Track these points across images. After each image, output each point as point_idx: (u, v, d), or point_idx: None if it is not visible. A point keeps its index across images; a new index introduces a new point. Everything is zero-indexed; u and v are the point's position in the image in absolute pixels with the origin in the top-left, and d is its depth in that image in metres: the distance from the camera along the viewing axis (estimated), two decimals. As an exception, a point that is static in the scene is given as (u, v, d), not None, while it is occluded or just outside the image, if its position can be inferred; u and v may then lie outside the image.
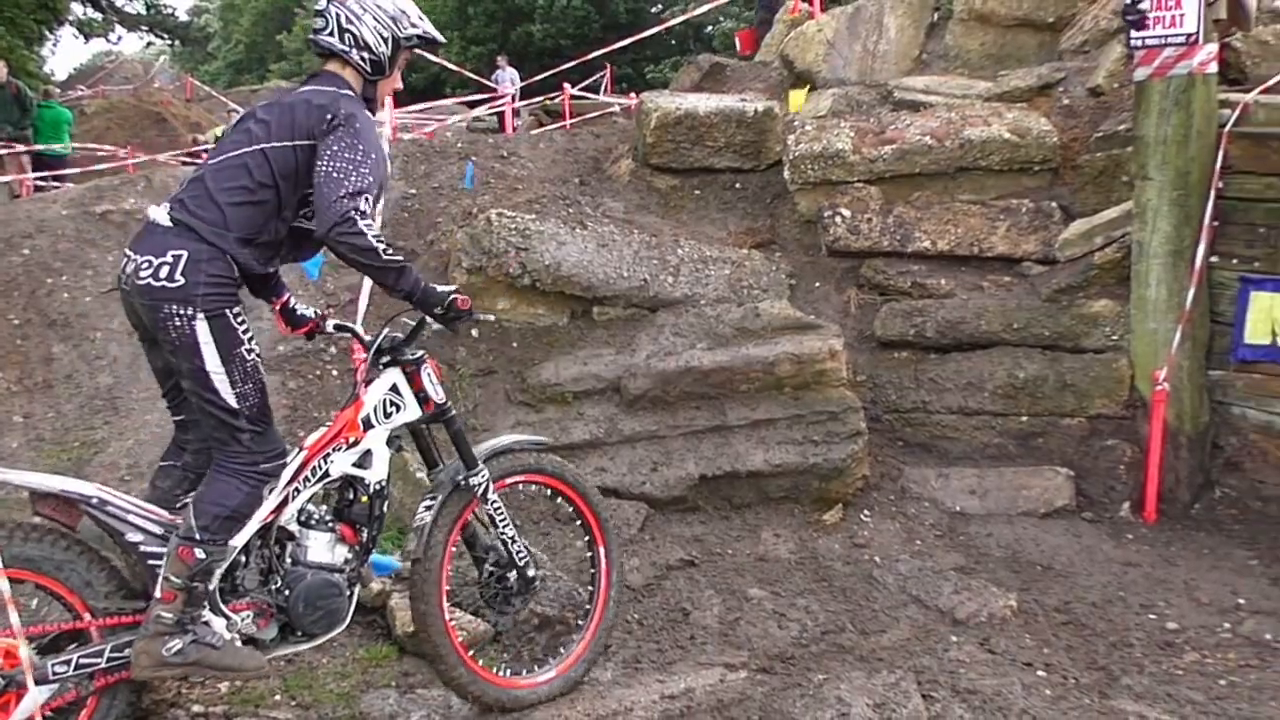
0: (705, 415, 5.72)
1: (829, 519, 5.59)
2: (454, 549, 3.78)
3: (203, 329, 3.22)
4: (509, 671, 3.95)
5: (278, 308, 3.87)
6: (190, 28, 46.07)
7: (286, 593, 3.46)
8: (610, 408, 5.83)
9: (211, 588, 3.33)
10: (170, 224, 3.29)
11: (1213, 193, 5.64)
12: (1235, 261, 5.70)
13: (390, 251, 3.30)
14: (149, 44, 46.64)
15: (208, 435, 3.39)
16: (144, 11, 33.32)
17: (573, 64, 15.94)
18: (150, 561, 3.30)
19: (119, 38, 36.02)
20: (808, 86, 9.01)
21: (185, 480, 3.55)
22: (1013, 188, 7.05)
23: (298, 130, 3.37)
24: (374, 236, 3.26)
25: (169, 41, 40.37)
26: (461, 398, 5.77)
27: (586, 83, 17.81)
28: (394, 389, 3.63)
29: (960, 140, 7.01)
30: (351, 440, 3.54)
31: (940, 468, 5.96)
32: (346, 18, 3.52)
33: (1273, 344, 5.52)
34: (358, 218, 3.22)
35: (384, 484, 3.62)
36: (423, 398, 3.67)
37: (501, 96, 17.81)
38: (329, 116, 3.36)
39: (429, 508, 3.73)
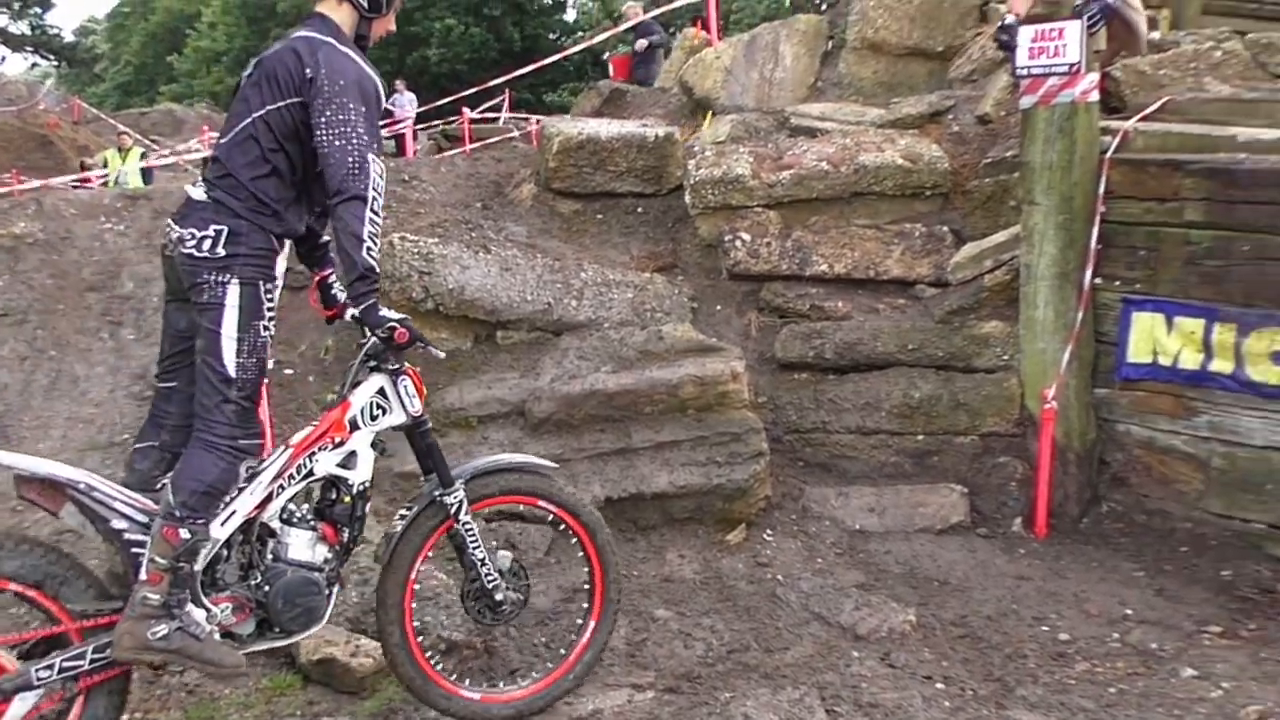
0: (610, 438, 5.75)
1: (733, 539, 5.65)
2: (422, 563, 3.82)
3: (233, 292, 3.32)
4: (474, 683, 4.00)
5: (316, 281, 3.94)
6: (77, 49, 45.01)
7: (266, 588, 3.46)
8: (515, 432, 5.83)
9: (197, 569, 3.33)
10: (206, 199, 3.38)
11: (1096, 217, 5.84)
12: (1118, 283, 5.90)
13: (373, 253, 3.33)
14: (34, 65, 45.49)
15: (196, 402, 3.40)
16: (29, 32, 32.42)
17: (472, 90, 15.95)
18: (134, 550, 3.31)
19: (2, 58, 35.05)
20: (707, 113, 9.15)
21: (163, 461, 3.54)
22: (906, 212, 7.24)
23: (283, 89, 3.39)
24: (369, 232, 3.30)
25: (55, 63, 39.38)
26: (364, 423, 5.72)
27: (485, 107, 17.80)
28: (380, 393, 3.65)
29: (855, 166, 7.17)
30: (337, 440, 3.57)
31: (840, 487, 6.07)
32: None
33: (1154, 363, 5.73)
34: (365, 206, 3.29)
35: (367, 485, 3.64)
36: (403, 407, 3.68)
37: (399, 121, 17.69)
38: (307, 72, 3.36)
39: (403, 518, 3.80)
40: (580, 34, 25.02)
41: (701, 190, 7.25)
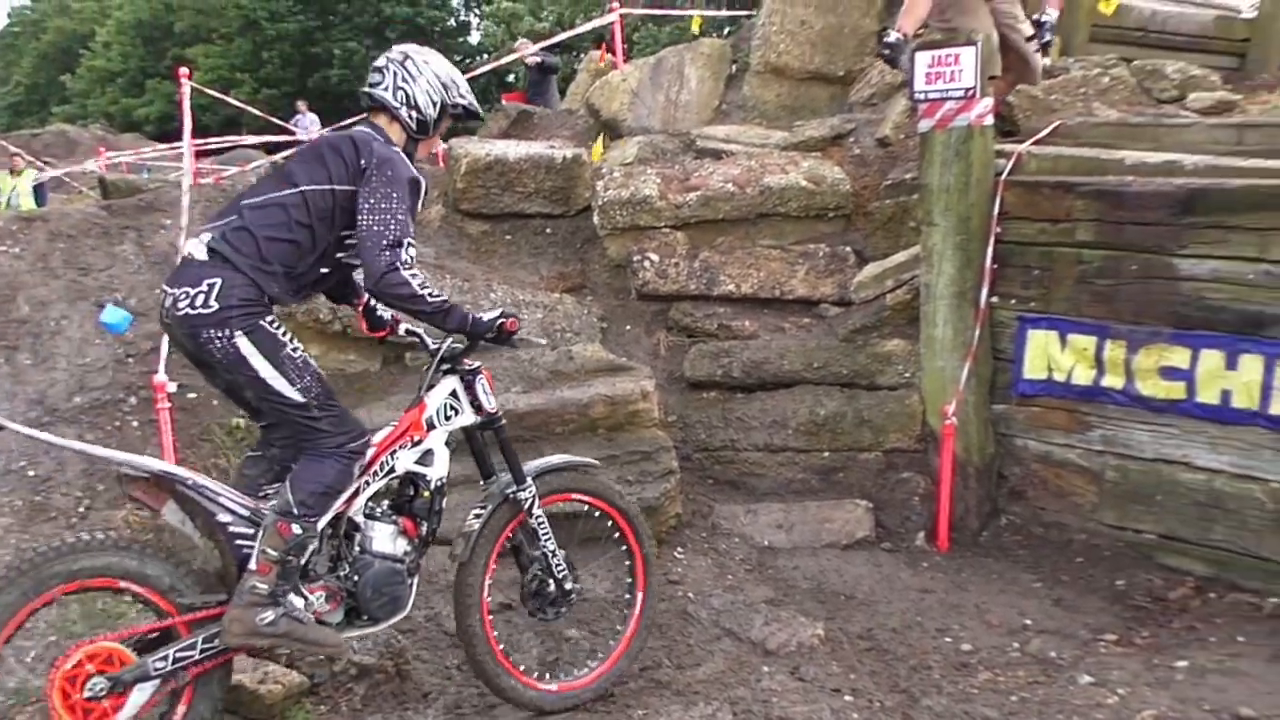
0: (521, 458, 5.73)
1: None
2: (497, 558, 4.08)
3: (244, 344, 3.49)
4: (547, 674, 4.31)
5: (360, 307, 4.20)
6: (-35, 69, 43.62)
7: (355, 578, 3.74)
8: (424, 453, 5.79)
9: (303, 563, 3.61)
10: (206, 257, 3.53)
11: (992, 237, 6.00)
12: (1014, 302, 6.07)
13: (434, 295, 3.63)
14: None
15: (291, 433, 3.67)
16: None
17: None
18: (237, 541, 3.57)
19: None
20: (605, 135, 9.22)
21: (271, 470, 3.79)
22: (810, 233, 7.37)
23: (334, 174, 3.62)
24: (418, 285, 3.57)
25: (-59, 83, 38.22)
26: (270, 446, 5.64)
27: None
28: (453, 394, 3.94)
29: (761, 187, 7.29)
30: (415, 439, 3.85)
31: (749, 504, 6.14)
32: (403, 77, 3.82)
33: (1049, 379, 5.90)
34: (401, 269, 3.51)
35: (443, 481, 3.92)
36: (476, 405, 3.96)
37: (302, 142, 17.48)
38: (362, 162, 3.60)
39: (478, 516, 4.03)
40: (485, 56, 25.00)
41: (610, 211, 7.30)
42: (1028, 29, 6.74)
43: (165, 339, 5.13)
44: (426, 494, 3.88)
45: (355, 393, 6.05)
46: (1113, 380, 5.62)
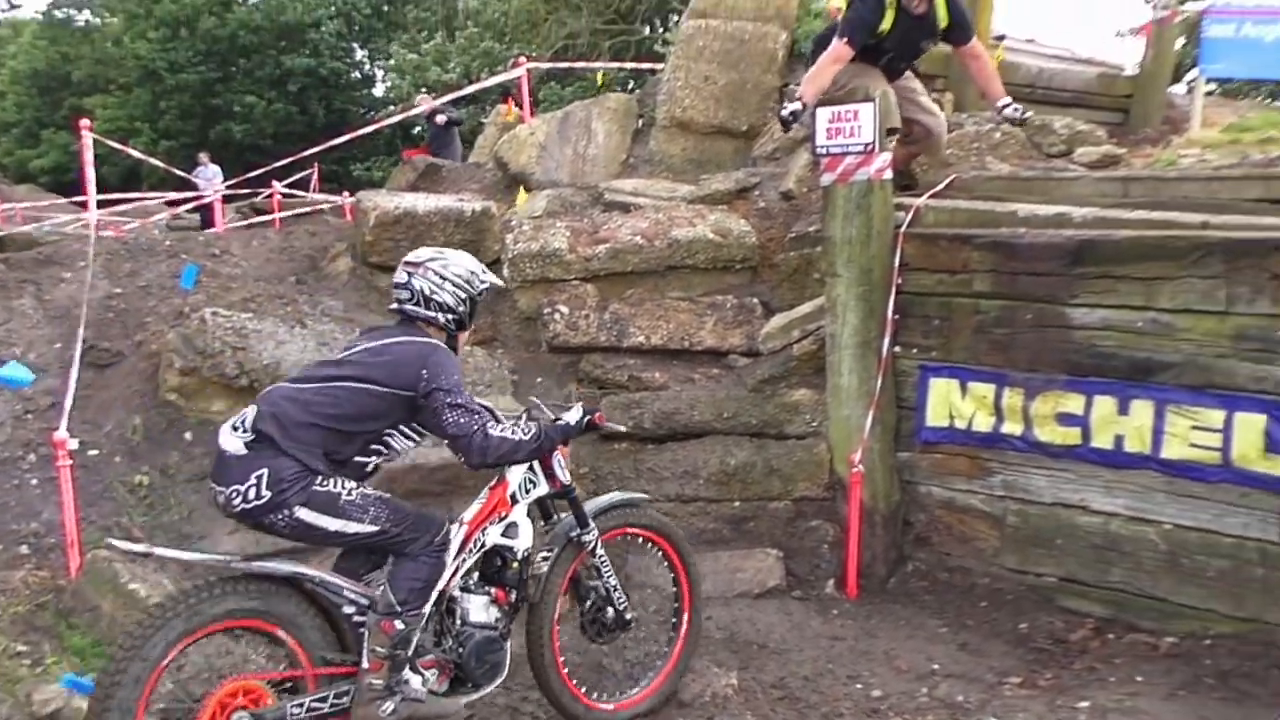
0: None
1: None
2: (564, 594, 4.38)
3: (305, 513, 3.68)
4: (605, 695, 4.60)
5: None
6: None
7: (460, 650, 4.03)
8: (334, 509, 5.72)
9: (410, 654, 3.86)
10: (245, 450, 3.67)
11: (893, 288, 6.15)
12: (915, 351, 6.21)
13: (528, 437, 3.93)
14: None
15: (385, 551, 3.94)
16: None
17: (281, 163, 15.69)
18: (360, 630, 3.84)
19: None
20: (516, 188, 9.28)
21: (370, 560, 4.02)
22: (718, 285, 7.49)
23: (395, 381, 3.82)
24: (514, 442, 3.90)
25: None
26: (175, 504, 5.53)
27: (292, 179, 17.50)
28: (530, 469, 4.23)
29: (669, 240, 7.39)
30: (502, 515, 4.17)
31: (661, 554, 6.16)
32: (430, 288, 4.02)
33: (951, 426, 6.05)
34: (499, 445, 3.85)
35: (529, 551, 4.22)
36: (551, 478, 4.28)
37: (204, 194, 17.24)
38: (424, 374, 3.81)
39: (546, 559, 4.30)
40: (391, 108, 24.93)
41: (520, 264, 7.34)
42: (930, 104, 6.93)
43: (69, 394, 5.08)
44: (515, 564, 4.18)
45: (262, 449, 5.96)
46: (1012, 427, 5.78)
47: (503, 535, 4.16)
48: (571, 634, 4.66)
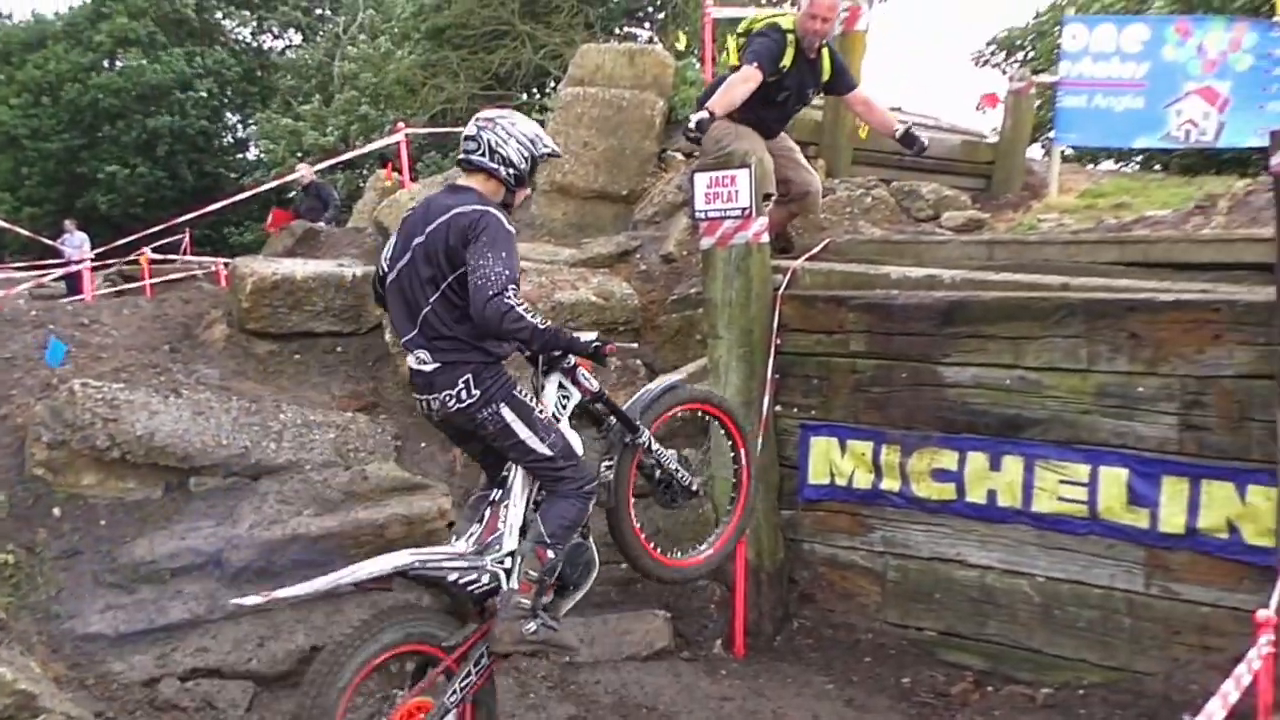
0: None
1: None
2: (633, 488, 4.74)
3: (508, 413, 4.18)
4: (679, 554, 4.98)
5: None
6: None
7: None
8: (211, 583, 5.58)
9: (554, 582, 4.30)
10: (440, 365, 4.16)
11: (772, 349, 6.29)
12: (796, 410, 6.35)
13: (542, 323, 4.08)
14: None
15: (540, 479, 4.35)
16: None
17: (152, 230, 15.36)
18: (470, 587, 4.22)
19: None
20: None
21: (486, 507, 4.42)
22: (601, 348, 7.52)
23: (453, 241, 4.08)
24: (530, 317, 4.02)
25: None
26: (44, 583, 5.32)
27: (163, 244, 17.09)
28: (560, 386, 4.51)
29: (552, 303, 7.41)
30: None
31: (549, 619, 6.12)
32: (496, 141, 4.30)
33: (832, 484, 6.17)
34: (515, 306, 3.96)
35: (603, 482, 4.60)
36: (578, 385, 4.50)
37: (70, 262, 16.74)
38: (470, 226, 4.06)
39: (610, 467, 4.63)
40: (265, 171, 24.62)
41: (402, 329, 7.28)
42: (806, 163, 7.12)
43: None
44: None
45: (136, 521, 5.79)
46: (890, 483, 5.93)
47: None
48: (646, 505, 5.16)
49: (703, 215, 6.39)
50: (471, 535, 4.36)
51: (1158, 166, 15.75)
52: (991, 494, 5.60)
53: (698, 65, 11.43)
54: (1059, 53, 9.76)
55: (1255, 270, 5.20)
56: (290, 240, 10.59)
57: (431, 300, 4.16)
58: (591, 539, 4.58)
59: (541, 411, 4.28)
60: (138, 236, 14.79)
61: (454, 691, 4.20)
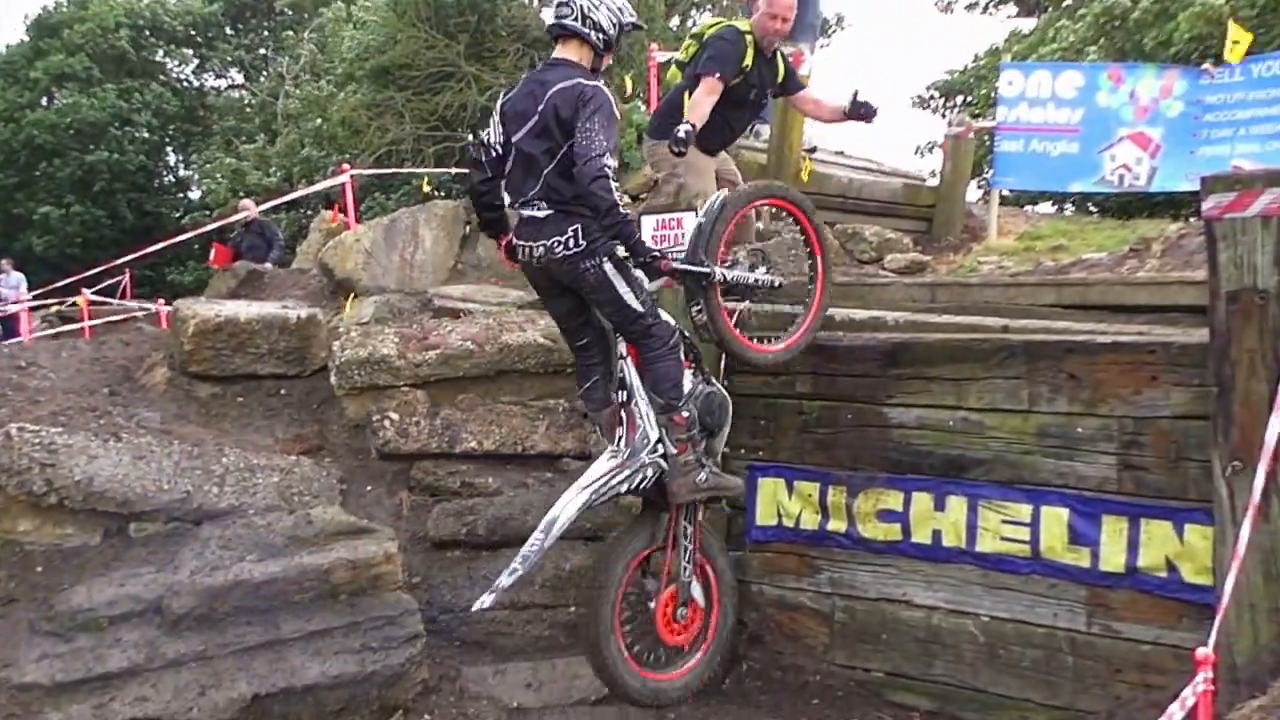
0: (257, 630, 5.52)
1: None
2: (724, 308, 5.33)
3: (609, 268, 4.74)
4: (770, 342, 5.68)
5: (504, 244, 5.31)
6: None
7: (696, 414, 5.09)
8: (151, 631, 5.46)
9: (699, 431, 5.02)
10: (552, 211, 4.72)
11: (719, 390, 6.32)
12: (744, 451, 6.38)
13: (623, 208, 4.55)
14: None
15: (627, 339, 4.99)
16: None
17: (92, 272, 15.14)
18: (643, 485, 4.98)
19: None
20: (341, 294, 9.20)
21: (606, 382, 5.18)
22: (550, 388, 7.53)
23: (565, 114, 4.61)
24: (617, 195, 4.52)
25: None
26: (-24, 633, 5.20)
27: (102, 286, 16.86)
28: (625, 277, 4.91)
29: (499, 345, 7.42)
30: None
31: (497, 664, 6.08)
32: (588, 6, 4.80)
33: (779, 525, 6.21)
34: (609, 177, 4.48)
35: (678, 325, 5.20)
36: (643, 263, 4.84)
37: (8, 302, 16.45)
38: (579, 97, 4.60)
39: (699, 310, 5.23)
40: (207, 212, 24.39)
41: (348, 371, 7.24)
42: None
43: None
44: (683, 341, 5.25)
45: (74, 568, 5.69)
46: (837, 524, 5.98)
47: None
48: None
49: (649, 257, 6.41)
50: (620, 442, 5.02)
51: (1093, 209, 16.14)
52: (937, 534, 5.65)
53: (643, 108, 11.53)
54: (996, 98, 9.97)
55: (1189, 313, 5.33)
56: (234, 281, 10.50)
57: (551, 165, 4.68)
58: (718, 383, 5.47)
59: (636, 272, 4.83)
60: (77, 278, 14.57)
61: (684, 567, 5.14)
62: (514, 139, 4.82)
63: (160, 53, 32.90)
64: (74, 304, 14.85)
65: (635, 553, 5.09)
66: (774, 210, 5.82)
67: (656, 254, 4.79)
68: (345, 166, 12.35)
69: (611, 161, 4.50)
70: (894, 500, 5.79)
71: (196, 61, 33.72)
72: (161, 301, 14.02)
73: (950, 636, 5.64)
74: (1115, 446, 5.13)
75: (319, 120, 21.93)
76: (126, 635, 5.42)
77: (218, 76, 34.20)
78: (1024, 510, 5.38)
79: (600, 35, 4.83)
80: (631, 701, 5.22)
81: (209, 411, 7.25)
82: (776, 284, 5.54)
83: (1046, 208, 15.94)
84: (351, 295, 9.05)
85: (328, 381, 7.38)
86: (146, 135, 30.51)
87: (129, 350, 8.24)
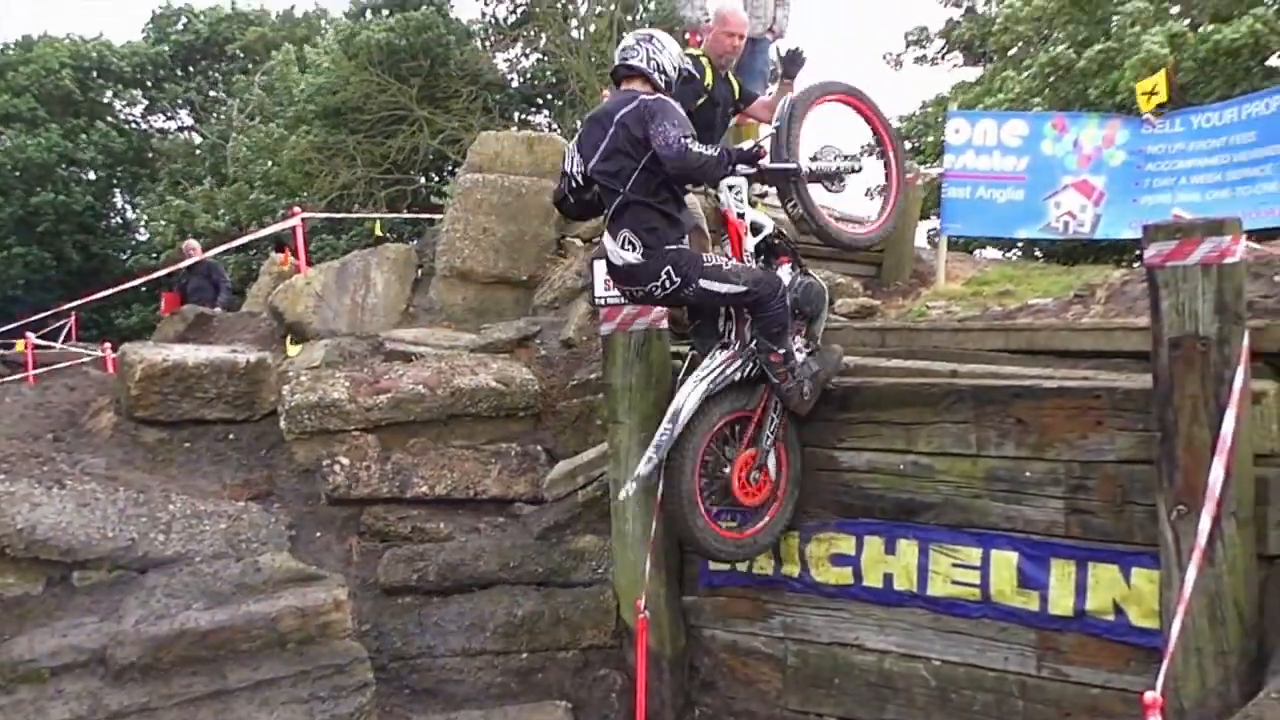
0: (203, 680, 5.43)
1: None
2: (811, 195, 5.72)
3: (705, 283, 5.19)
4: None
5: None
6: None
7: (798, 298, 5.65)
8: (94, 682, 5.37)
9: (796, 359, 5.48)
10: (642, 260, 5.18)
11: (673, 435, 6.32)
12: (697, 495, 6.37)
13: (715, 155, 4.97)
14: None
15: (748, 310, 5.43)
16: None
17: (37, 317, 14.93)
18: (751, 372, 5.51)
19: None
20: (290, 338, 9.14)
21: (714, 336, 5.64)
22: (502, 432, 7.52)
23: (637, 132, 5.06)
24: (706, 153, 4.93)
25: None
26: (-88, 686, 5.07)
27: (47, 330, 16.61)
28: (729, 188, 5.58)
29: (451, 389, 7.40)
30: (751, 224, 5.71)
31: (448, 712, 6.02)
32: (655, 49, 5.33)
33: (732, 569, 6.20)
34: (691, 146, 4.87)
35: (776, 226, 5.82)
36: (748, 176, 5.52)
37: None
38: (644, 114, 5.04)
39: (792, 204, 5.60)
40: (155, 255, 24.20)
41: (297, 415, 7.19)
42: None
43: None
44: (777, 240, 5.78)
45: (14, 619, 5.58)
46: (790, 568, 5.98)
47: (756, 235, 5.67)
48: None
49: (603, 301, 6.43)
50: (729, 334, 5.54)
51: (1039, 254, 16.40)
52: (888, 578, 5.67)
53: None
54: (944, 145, 10.15)
55: (1133, 358, 5.41)
56: (182, 325, 10.40)
57: (628, 185, 5.12)
58: (815, 274, 6.01)
59: (727, 261, 5.32)
60: (21, 322, 14.35)
61: (767, 437, 5.55)
62: (591, 167, 5.30)
63: (108, 94, 32.70)
64: (17, 349, 14.59)
65: (730, 412, 5.50)
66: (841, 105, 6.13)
67: (756, 146, 5.36)
68: (296, 209, 12.30)
69: (687, 137, 4.89)
70: (846, 544, 5.80)
71: (145, 103, 33.56)
72: (108, 346, 13.83)
73: (902, 680, 5.64)
74: (1062, 490, 5.17)
75: (269, 164, 21.87)
76: (69, 686, 5.32)
77: (168, 118, 34.05)
78: (974, 554, 5.40)
79: (662, 76, 5.34)
80: (705, 552, 5.73)
81: (156, 457, 7.16)
82: (857, 168, 5.88)
83: (994, 253, 16.17)
84: (288, 338, 8.96)
85: (277, 426, 7.32)
86: (94, 176, 30.21)
87: (74, 395, 8.13)
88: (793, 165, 5.49)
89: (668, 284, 5.16)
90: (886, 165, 6.23)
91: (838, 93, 5.93)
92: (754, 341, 5.45)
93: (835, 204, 9.99)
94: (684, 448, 5.33)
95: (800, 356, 5.53)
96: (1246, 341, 4.51)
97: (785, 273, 5.67)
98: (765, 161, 5.44)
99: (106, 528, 5.91)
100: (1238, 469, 4.45)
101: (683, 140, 4.87)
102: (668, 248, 5.13)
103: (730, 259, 5.40)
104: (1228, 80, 14.29)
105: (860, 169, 5.86)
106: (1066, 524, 5.15)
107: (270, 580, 5.87)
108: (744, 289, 5.27)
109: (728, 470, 5.51)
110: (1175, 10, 15.91)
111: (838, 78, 5.96)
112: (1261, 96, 9.31)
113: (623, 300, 6.32)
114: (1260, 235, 7.79)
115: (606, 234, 5.35)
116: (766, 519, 5.71)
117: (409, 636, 6.37)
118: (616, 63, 5.42)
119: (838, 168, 5.72)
